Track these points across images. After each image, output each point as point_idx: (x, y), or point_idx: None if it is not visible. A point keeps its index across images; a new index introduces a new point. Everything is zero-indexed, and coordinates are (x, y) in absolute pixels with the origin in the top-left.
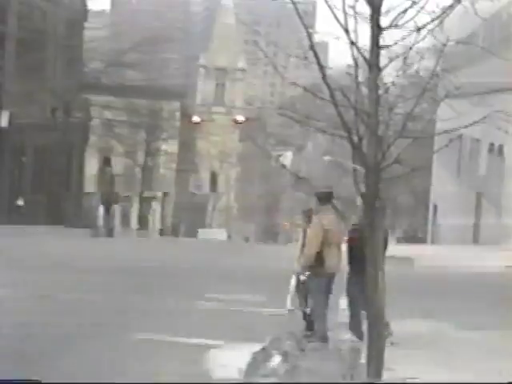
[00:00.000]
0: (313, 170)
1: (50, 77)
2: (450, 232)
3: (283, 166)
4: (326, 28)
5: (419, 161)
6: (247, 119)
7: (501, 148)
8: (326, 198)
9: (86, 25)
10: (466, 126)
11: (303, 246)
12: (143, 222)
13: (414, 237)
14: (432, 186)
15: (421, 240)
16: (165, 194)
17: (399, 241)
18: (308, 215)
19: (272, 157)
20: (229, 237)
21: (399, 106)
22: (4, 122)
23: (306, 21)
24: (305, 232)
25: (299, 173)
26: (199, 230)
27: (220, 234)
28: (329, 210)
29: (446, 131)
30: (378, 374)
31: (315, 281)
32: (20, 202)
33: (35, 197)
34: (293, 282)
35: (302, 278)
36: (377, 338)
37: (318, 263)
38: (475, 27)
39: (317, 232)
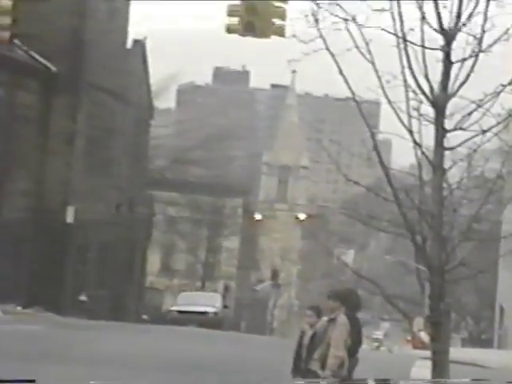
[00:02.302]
0: (375, 269)
1: (116, 173)
2: None
3: (345, 264)
4: (389, 127)
5: (485, 263)
6: (309, 216)
7: None
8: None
9: (153, 122)
10: None
11: (311, 346)
12: None
13: (479, 339)
14: (498, 287)
15: (486, 343)
16: (226, 291)
17: (464, 344)
18: (317, 313)
19: (334, 255)
20: (225, 307)
21: (464, 208)
22: (70, 218)
23: (370, 121)
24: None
25: (361, 271)
26: (181, 294)
27: (208, 302)
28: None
29: None
30: None
31: None
32: (83, 298)
33: (98, 292)
34: None
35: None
36: None
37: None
38: None
39: (343, 333)
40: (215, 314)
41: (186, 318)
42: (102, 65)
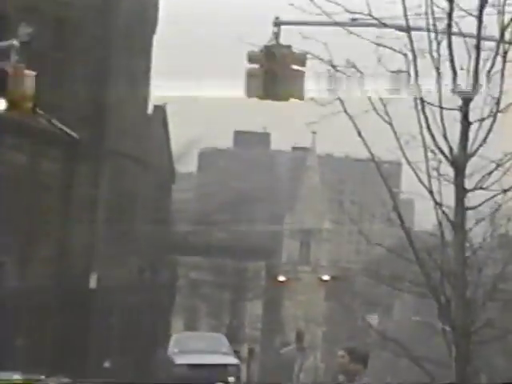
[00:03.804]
0: (400, 330)
1: (139, 238)
2: None
3: (370, 326)
4: (411, 187)
5: None
6: (333, 278)
7: None
8: None
9: (174, 187)
10: None
11: None
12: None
13: None
14: None
15: None
16: (250, 353)
17: None
18: (349, 379)
19: (358, 316)
20: (235, 351)
21: (488, 267)
22: (93, 284)
23: (391, 181)
24: None
25: (386, 333)
26: (173, 337)
27: (214, 347)
28: None
29: None
30: None
31: None
32: (107, 364)
33: (122, 359)
34: None
35: None
36: None
37: None
38: None
39: None
40: (237, 367)
41: (201, 374)
42: (123, 131)
